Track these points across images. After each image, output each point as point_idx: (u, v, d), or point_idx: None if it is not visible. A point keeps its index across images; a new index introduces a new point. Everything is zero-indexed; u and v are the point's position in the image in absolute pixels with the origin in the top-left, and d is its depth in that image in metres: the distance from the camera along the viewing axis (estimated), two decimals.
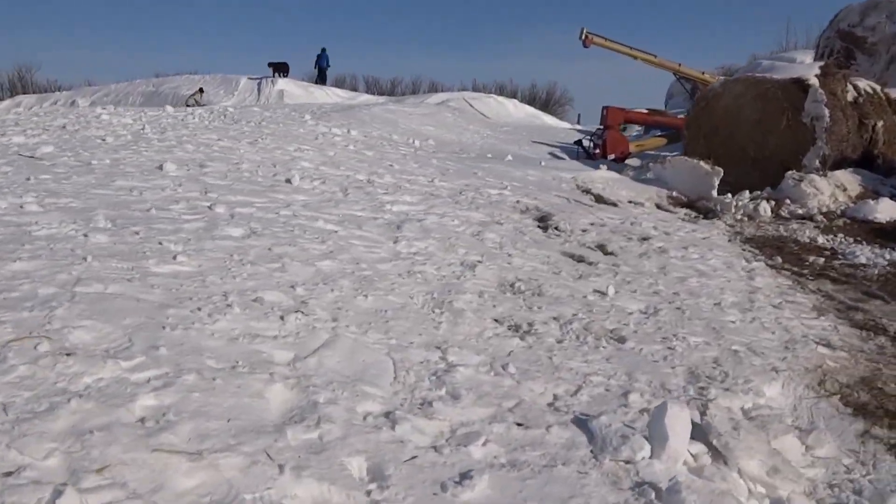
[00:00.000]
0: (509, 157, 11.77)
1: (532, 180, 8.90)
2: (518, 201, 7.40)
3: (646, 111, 16.70)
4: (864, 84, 11.77)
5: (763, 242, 7.91)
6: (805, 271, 6.65)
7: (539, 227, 6.84)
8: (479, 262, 5.18)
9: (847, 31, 13.81)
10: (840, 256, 7.44)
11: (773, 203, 9.68)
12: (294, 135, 9.81)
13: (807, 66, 11.23)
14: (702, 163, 9.47)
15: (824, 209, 9.60)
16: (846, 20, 13.78)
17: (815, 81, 10.74)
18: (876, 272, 6.65)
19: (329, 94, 34.29)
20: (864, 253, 7.47)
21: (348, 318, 3.68)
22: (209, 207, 5.57)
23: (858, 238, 8.35)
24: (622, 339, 4.07)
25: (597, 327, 4.20)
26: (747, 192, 10.12)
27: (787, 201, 9.78)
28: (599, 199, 8.39)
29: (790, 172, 10.07)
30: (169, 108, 14.24)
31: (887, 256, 7.30)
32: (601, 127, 15.27)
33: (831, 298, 5.59)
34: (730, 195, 9.85)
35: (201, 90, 28.54)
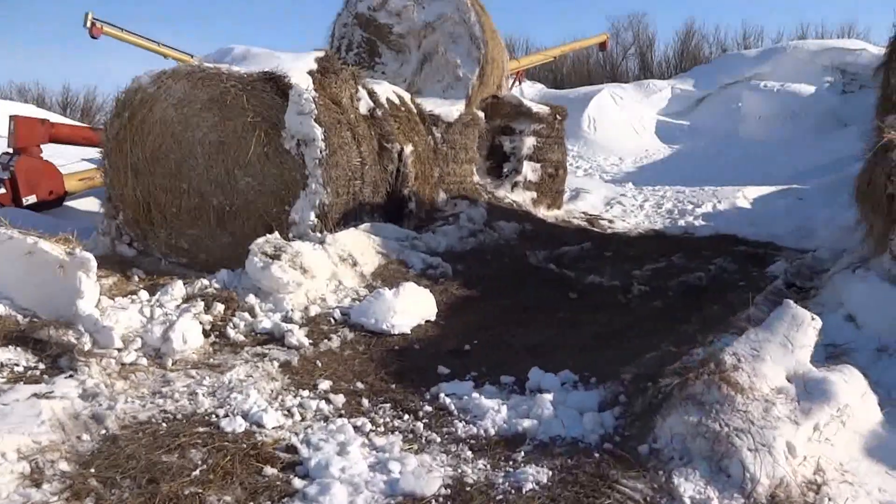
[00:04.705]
0: None
1: None
2: None
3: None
4: (384, 89, 8.31)
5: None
6: None
7: None
8: None
9: (368, 18, 10.51)
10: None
11: (220, 309, 5.30)
12: None
13: (295, 58, 7.28)
14: (44, 244, 4.58)
15: (315, 311, 5.57)
16: (366, 1, 10.44)
17: (302, 80, 6.78)
18: None
19: None
20: (349, 471, 3.39)
21: None
22: None
23: (359, 393, 4.36)
24: None
25: None
26: (180, 284, 5.62)
27: (254, 302, 5.52)
28: None
29: (259, 242, 5.86)
30: None
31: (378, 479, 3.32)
32: (9, 151, 9.61)
33: None
34: (113, 303, 5.21)
35: None
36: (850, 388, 3.45)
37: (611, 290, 6.90)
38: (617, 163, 18.33)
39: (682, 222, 11.39)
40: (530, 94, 21.65)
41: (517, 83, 19.71)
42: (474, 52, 9.87)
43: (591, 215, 11.57)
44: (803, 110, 19.16)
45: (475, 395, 4.25)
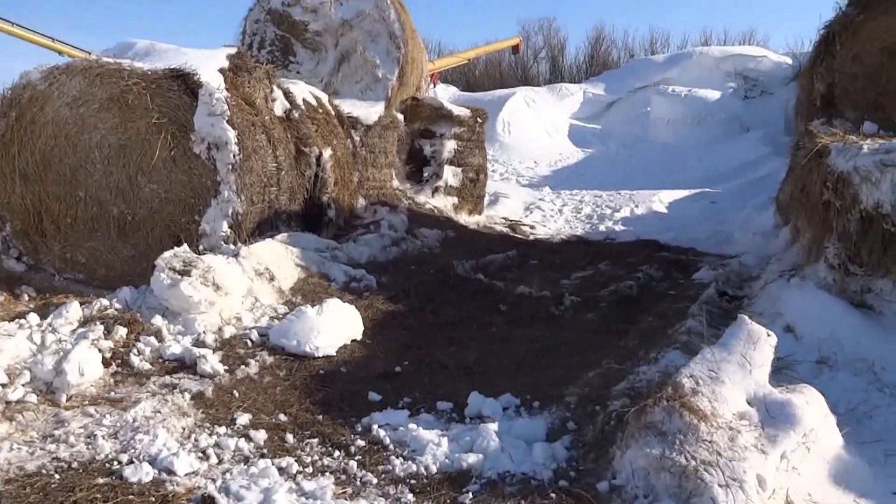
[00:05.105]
0: None
1: None
2: None
3: None
4: (301, 90, 7.83)
5: None
6: None
7: None
8: None
9: (282, 14, 9.96)
10: None
11: (122, 333, 4.75)
12: None
13: (204, 54, 6.73)
14: None
15: (230, 332, 5.07)
16: None
17: (213, 78, 6.25)
18: None
19: None
20: None
21: None
22: None
23: (282, 427, 3.93)
24: None
25: None
26: (76, 304, 5.03)
27: (161, 324, 4.98)
28: None
29: (166, 256, 5.31)
30: None
31: None
32: None
33: None
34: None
35: None
36: (813, 410, 3.27)
37: (541, 301, 6.65)
38: (532, 166, 18.29)
39: (602, 227, 11.35)
40: (443, 97, 21.37)
41: (432, 86, 19.45)
42: (394, 51, 9.49)
43: (512, 221, 11.38)
44: (709, 115, 19.64)
45: (412, 425, 3.88)
